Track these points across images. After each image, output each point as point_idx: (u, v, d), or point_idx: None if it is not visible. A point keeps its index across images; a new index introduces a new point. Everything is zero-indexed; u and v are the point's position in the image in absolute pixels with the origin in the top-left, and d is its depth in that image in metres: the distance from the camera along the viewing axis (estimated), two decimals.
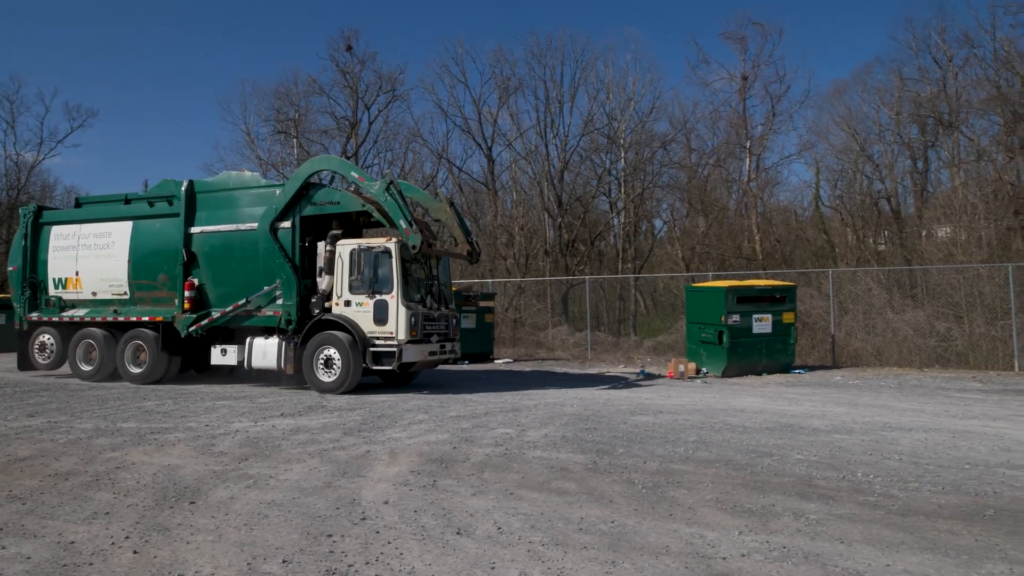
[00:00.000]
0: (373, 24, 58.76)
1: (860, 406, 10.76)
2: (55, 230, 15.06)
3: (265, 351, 12.76)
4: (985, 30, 26.78)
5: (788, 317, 16.20)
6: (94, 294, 14.53)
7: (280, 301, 12.80)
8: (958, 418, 9.55)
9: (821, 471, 6.34)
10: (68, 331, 14.79)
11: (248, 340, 12.97)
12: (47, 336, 15.06)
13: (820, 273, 21.28)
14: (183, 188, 13.67)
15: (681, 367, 15.66)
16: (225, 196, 13.60)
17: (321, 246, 12.84)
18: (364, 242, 12.42)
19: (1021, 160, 23.84)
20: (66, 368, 14.90)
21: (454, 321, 13.45)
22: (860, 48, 58.62)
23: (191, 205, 13.66)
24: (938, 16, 41.96)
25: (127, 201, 14.60)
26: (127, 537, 4.60)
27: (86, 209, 15.25)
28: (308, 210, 12.88)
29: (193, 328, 13.29)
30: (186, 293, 13.40)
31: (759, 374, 15.81)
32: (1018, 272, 17.96)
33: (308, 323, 12.44)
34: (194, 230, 13.59)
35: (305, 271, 12.89)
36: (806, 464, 6.62)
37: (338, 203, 12.86)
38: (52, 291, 14.93)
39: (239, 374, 15.00)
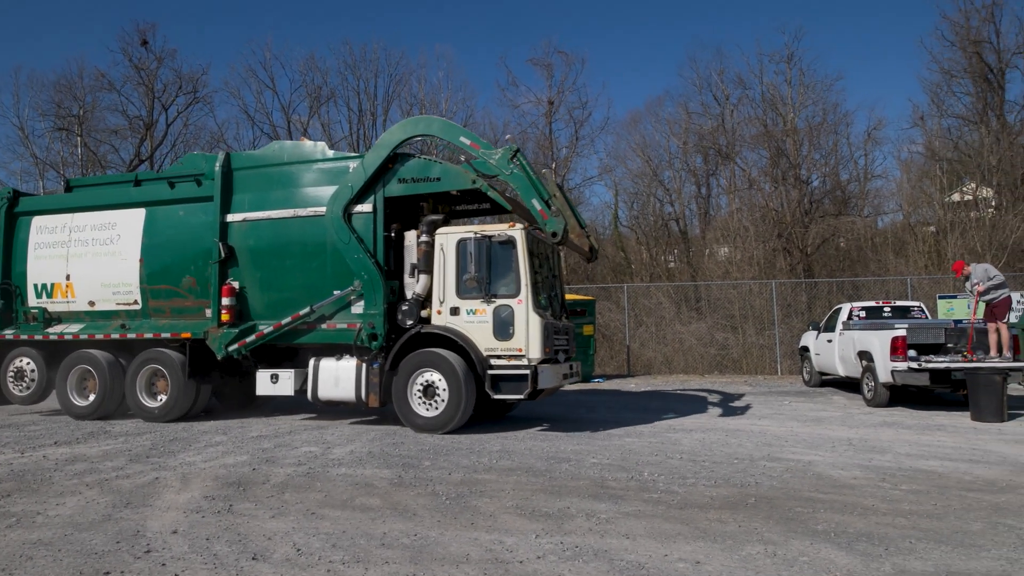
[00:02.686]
0: (172, 20, 54.70)
1: (650, 411, 11.66)
2: (37, 222, 11.76)
3: (338, 377, 9.74)
4: (755, 74, 30.35)
5: (588, 329, 17.19)
6: (92, 304, 11.33)
7: (359, 309, 9.86)
8: (731, 418, 10.66)
9: (613, 473, 6.81)
10: (56, 353, 11.42)
11: (312, 363, 9.95)
12: (26, 360, 11.58)
13: (617, 288, 22.81)
14: (217, 164, 10.63)
15: None
16: (276, 173, 10.55)
17: (411, 236, 9.88)
18: (478, 230, 9.54)
19: (783, 190, 27.12)
20: (52, 401, 11.72)
21: (572, 333, 10.86)
22: (653, 82, 63.77)
23: (227, 186, 10.65)
24: (717, 58, 47.00)
25: (137, 183, 11.56)
26: None
27: (80, 194, 12.04)
28: (395, 189, 9.90)
29: (235, 347, 10.26)
30: (224, 300, 10.34)
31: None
32: (780, 288, 20.45)
33: (401, 338, 9.51)
34: (232, 218, 10.56)
35: (389, 270, 9.97)
36: (600, 467, 7.08)
37: (438, 179, 9.80)
38: (33, 301, 11.63)
39: (271, 405, 12.36)
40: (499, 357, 9.15)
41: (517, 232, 9.31)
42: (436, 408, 9.22)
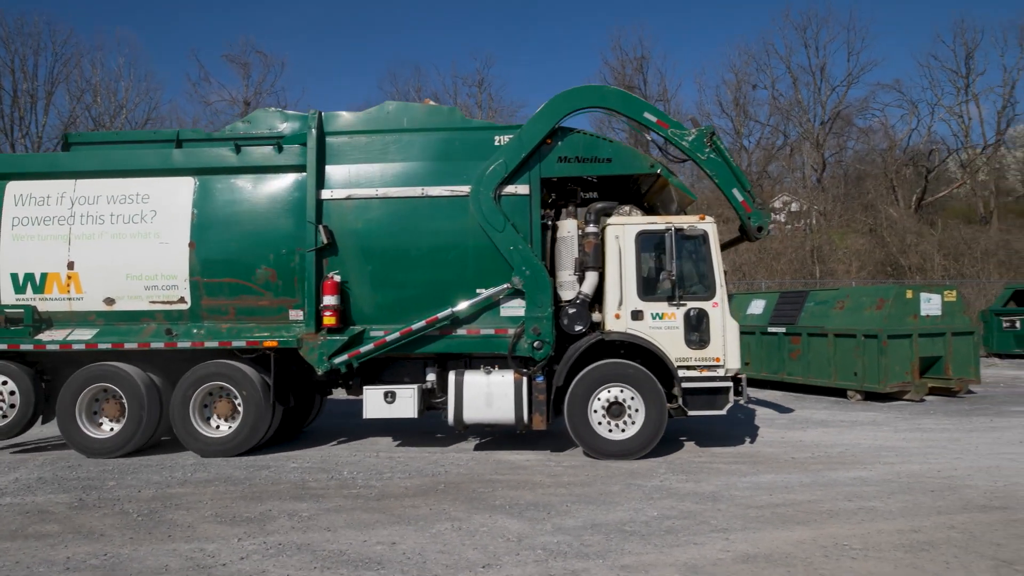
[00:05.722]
0: None
1: (355, 415, 11.98)
2: (14, 189, 8.53)
3: (490, 394, 7.96)
4: (450, 95, 32.62)
5: None
6: (110, 303, 8.39)
7: (514, 312, 8.16)
8: (428, 420, 11.42)
9: (314, 475, 7.07)
10: (52, 369, 8.56)
11: (453, 377, 8.09)
12: (1, 378, 8.29)
13: None
14: (311, 125, 8.35)
15: None
16: (393, 141, 8.44)
17: (567, 225, 8.39)
18: (667, 221, 8.14)
19: None
20: (39, 431, 8.94)
21: None
22: (354, 93, 64.74)
23: (320, 154, 8.36)
24: (416, 76, 49.27)
25: (179, 144, 8.69)
26: None
27: (85, 154, 8.78)
28: (553, 169, 8.31)
29: (342, 359, 8.09)
30: (327, 299, 8.07)
31: None
32: None
33: (580, 346, 8.01)
34: (331, 195, 8.31)
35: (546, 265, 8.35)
36: (300, 471, 7.29)
37: (608, 160, 8.36)
38: (11, 297, 8.43)
39: (321, 432, 9.91)
40: (691, 368, 8.06)
41: (710, 225, 8.23)
42: (623, 430, 7.94)
